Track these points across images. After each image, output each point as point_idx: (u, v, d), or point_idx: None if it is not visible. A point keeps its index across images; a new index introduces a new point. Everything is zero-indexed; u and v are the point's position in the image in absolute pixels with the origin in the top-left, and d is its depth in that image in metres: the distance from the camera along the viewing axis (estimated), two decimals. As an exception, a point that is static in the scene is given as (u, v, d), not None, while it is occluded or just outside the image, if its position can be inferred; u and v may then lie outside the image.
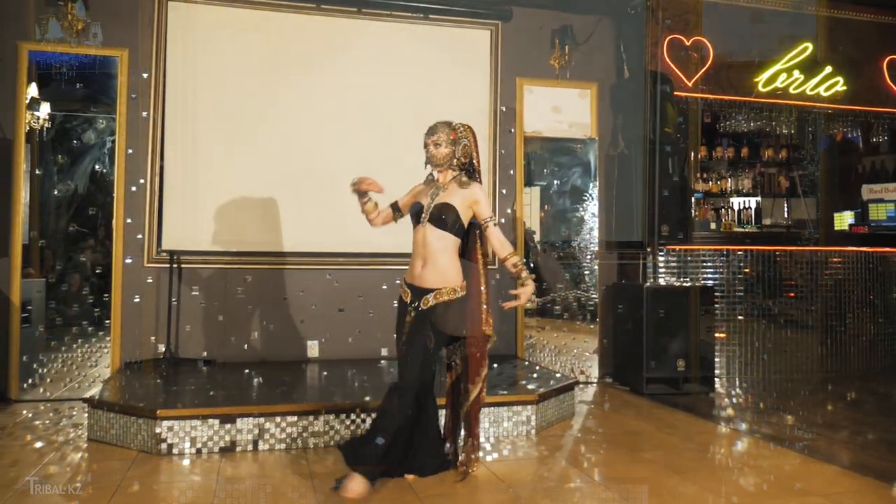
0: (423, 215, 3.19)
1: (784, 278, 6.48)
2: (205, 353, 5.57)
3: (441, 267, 3.13)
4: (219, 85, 5.68)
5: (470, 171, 3.22)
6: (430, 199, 3.22)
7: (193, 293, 5.55)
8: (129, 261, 5.48)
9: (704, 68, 6.57)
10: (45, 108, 5.36)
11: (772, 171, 7.90)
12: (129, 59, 5.53)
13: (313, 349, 5.78)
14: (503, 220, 6.21)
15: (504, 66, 6.32)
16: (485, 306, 3.14)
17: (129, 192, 5.51)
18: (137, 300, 5.48)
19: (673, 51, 6.51)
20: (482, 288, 3.16)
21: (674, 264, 6.31)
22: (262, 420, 4.03)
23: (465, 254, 3.25)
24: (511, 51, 6.36)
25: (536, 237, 6.26)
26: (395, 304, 3.38)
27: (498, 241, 3.08)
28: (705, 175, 7.77)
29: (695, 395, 5.77)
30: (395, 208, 3.46)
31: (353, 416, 4.14)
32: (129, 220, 5.50)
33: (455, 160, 3.15)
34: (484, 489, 3.46)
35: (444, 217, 3.15)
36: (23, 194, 5.28)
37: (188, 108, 5.64)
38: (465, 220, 3.19)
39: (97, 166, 5.49)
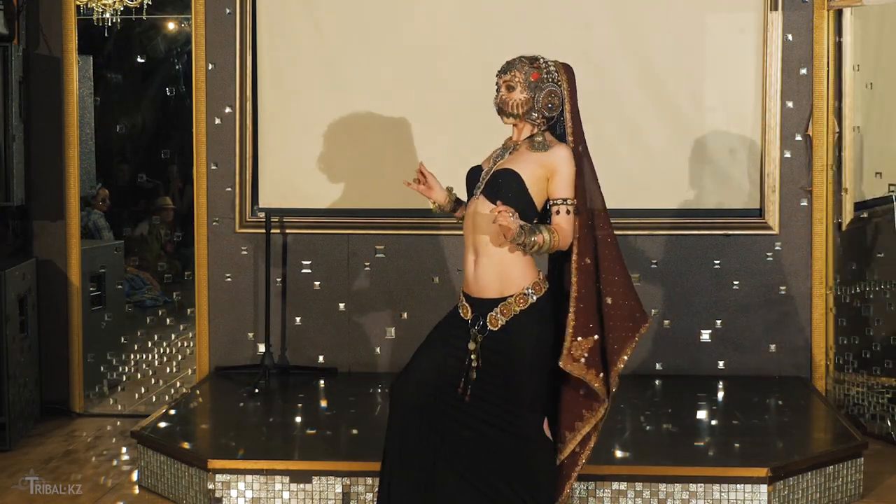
0: (478, 184, 2.90)
1: None
2: (321, 359, 4.77)
3: (500, 261, 2.85)
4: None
5: (557, 129, 2.95)
6: (492, 162, 2.96)
7: (304, 271, 4.80)
8: (215, 223, 4.78)
9: None
10: (98, 14, 4.76)
11: None
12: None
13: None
14: (787, 154, 4.68)
15: None
16: (570, 330, 2.76)
17: (213, 126, 4.74)
18: (229, 279, 4.76)
19: None
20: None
21: None
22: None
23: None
24: None
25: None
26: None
27: (563, 234, 2.78)
28: None
29: None
30: (470, 176, 3.06)
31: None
32: (213, 167, 4.75)
33: (534, 112, 2.88)
34: None
35: (501, 187, 2.83)
36: (76, 133, 4.65)
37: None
38: (538, 198, 2.86)
39: (168, 90, 4.99)
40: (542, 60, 2.91)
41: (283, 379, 4.59)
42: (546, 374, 2.78)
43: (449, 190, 3.08)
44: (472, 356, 2.80)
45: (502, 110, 2.88)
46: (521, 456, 2.76)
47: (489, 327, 2.79)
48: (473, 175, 2.94)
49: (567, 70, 2.93)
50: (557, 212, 2.77)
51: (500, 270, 2.81)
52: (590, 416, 2.88)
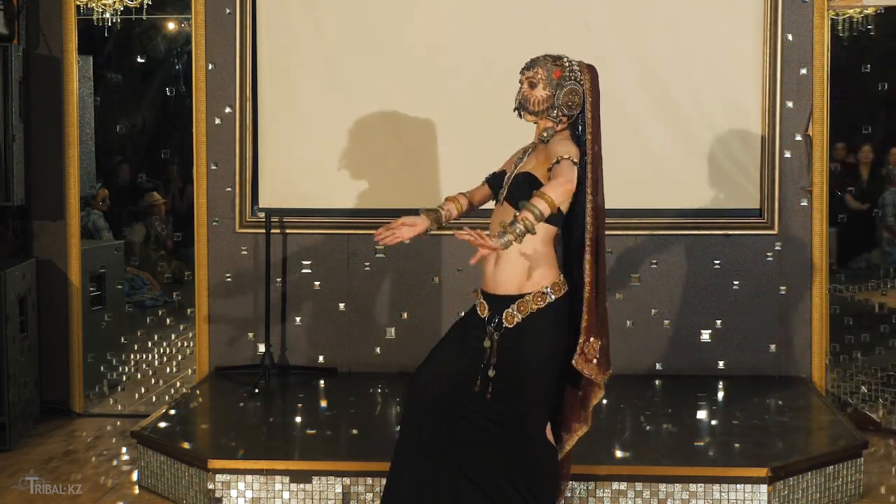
0: (502, 190, 2.89)
1: None
2: (321, 359, 4.77)
3: (522, 260, 2.79)
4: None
5: (577, 128, 2.91)
6: (513, 166, 2.95)
7: (304, 271, 4.80)
8: (215, 223, 4.80)
9: None
10: (98, 14, 4.78)
11: None
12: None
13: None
14: (787, 155, 4.64)
15: None
16: (584, 329, 2.80)
17: (213, 126, 4.76)
18: (229, 279, 4.75)
19: None
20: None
21: None
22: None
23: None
24: None
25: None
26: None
27: (554, 178, 2.64)
28: None
29: None
30: (494, 181, 3.05)
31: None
32: (213, 167, 4.76)
33: (554, 109, 2.85)
34: None
35: (520, 192, 2.77)
36: (76, 133, 4.65)
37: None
38: None
39: (168, 90, 5.02)
40: (565, 59, 2.91)
41: (283, 379, 4.57)
42: (555, 374, 2.76)
43: (425, 213, 3.00)
44: (489, 353, 2.78)
45: (523, 107, 2.87)
46: (525, 455, 2.74)
47: (505, 324, 2.77)
48: (496, 179, 2.95)
49: (591, 70, 2.93)
50: (558, 162, 2.65)
51: (522, 269, 2.79)
52: (585, 419, 2.88)
